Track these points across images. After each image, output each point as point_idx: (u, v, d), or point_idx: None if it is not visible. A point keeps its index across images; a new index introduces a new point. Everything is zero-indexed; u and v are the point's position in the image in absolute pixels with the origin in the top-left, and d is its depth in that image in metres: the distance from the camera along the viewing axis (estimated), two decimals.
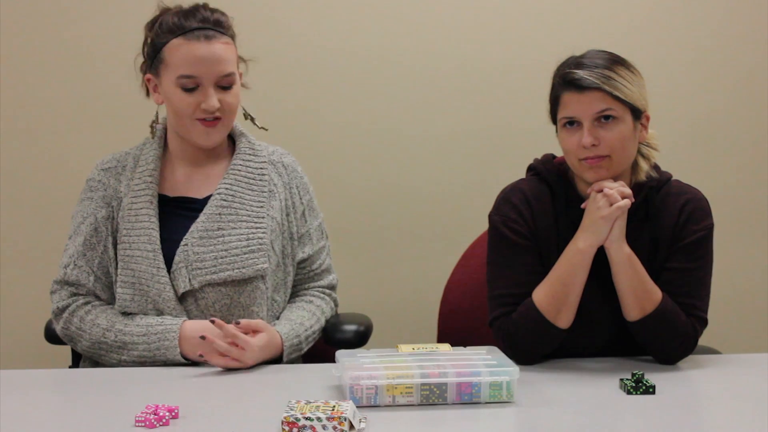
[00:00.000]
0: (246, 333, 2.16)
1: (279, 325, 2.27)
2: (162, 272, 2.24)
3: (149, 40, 2.29)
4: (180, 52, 2.23)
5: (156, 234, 2.26)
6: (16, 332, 3.13)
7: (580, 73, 2.12)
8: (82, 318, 2.25)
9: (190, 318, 2.25)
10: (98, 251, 2.29)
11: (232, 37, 2.30)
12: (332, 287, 2.47)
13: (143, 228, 2.26)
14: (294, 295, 2.43)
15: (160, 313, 2.25)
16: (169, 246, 2.26)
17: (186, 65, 2.23)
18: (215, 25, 2.26)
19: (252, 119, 2.41)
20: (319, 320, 2.37)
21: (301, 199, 2.41)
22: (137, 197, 2.28)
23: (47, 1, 3.09)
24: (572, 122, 2.15)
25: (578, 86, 2.12)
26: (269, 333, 2.20)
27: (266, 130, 2.41)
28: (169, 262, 2.25)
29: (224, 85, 2.26)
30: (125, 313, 2.27)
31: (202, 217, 2.28)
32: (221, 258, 2.26)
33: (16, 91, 3.10)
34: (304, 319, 2.33)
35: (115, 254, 2.29)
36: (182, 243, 2.26)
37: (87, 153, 3.07)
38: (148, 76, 2.32)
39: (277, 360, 2.23)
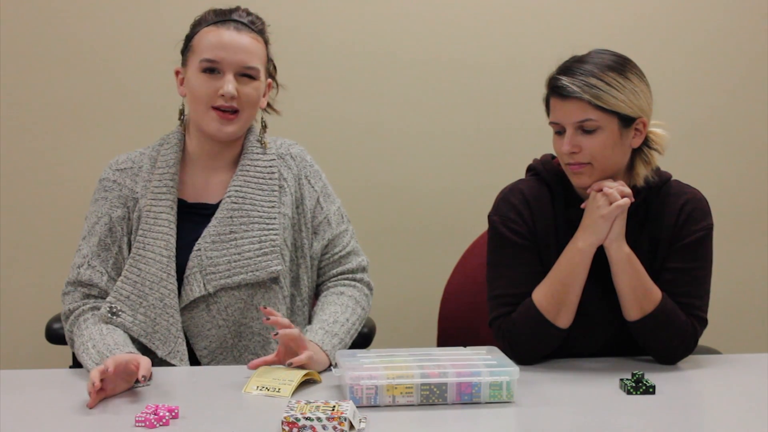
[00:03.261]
0: (287, 345, 2.08)
1: (311, 332, 2.19)
2: (171, 278, 2.22)
3: (186, 36, 2.31)
4: (208, 36, 2.25)
5: (173, 240, 2.24)
6: (16, 332, 3.13)
7: (564, 81, 2.12)
8: (79, 325, 2.21)
9: (201, 322, 2.24)
10: (113, 252, 2.27)
11: (266, 42, 2.32)
12: (361, 269, 2.41)
13: (161, 233, 2.24)
14: (322, 284, 2.40)
15: (152, 320, 2.21)
16: (183, 252, 2.24)
17: (211, 49, 2.24)
18: (249, 22, 2.29)
19: (263, 128, 2.37)
20: (354, 311, 2.31)
21: (313, 187, 2.38)
22: (157, 200, 2.26)
23: (48, 0, 3.09)
24: (559, 127, 2.16)
25: (560, 94, 2.13)
26: (309, 350, 2.10)
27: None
28: (181, 267, 2.24)
29: (246, 74, 2.25)
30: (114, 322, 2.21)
31: (213, 221, 2.26)
32: (234, 262, 2.24)
33: (16, 91, 3.10)
34: (337, 315, 2.27)
35: (130, 255, 2.26)
36: (195, 248, 2.24)
37: (88, 153, 3.08)
38: (177, 68, 2.32)
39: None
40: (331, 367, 2.14)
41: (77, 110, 3.11)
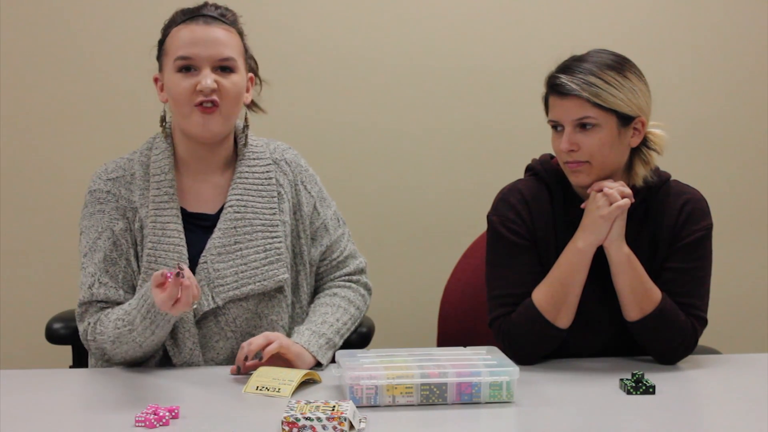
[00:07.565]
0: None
1: (298, 334, 2.19)
2: None
3: (159, 41, 2.26)
4: (179, 35, 2.20)
5: (185, 252, 2.19)
6: (16, 332, 3.13)
7: (563, 79, 2.12)
8: (101, 321, 2.16)
9: (209, 335, 2.21)
10: (121, 265, 2.20)
11: (240, 32, 2.26)
12: (359, 271, 2.40)
13: (172, 244, 2.19)
14: (319, 288, 2.38)
15: (168, 332, 2.17)
16: (188, 265, 2.18)
17: (183, 46, 2.18)
18: (219, 15, 2.24)
19: (246, 127, 2.31)
20: (346, 311, 2.30)
21: (309, 192, 2.35)
22: (161, 209, 2.20)
23: (48, 1, 3.09)
24: (557, 126, 2.16)
25: (559, 92, 2.13)
26: (295, 354, 2.13)
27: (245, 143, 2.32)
28: None
29: (223, 67, 2.19)
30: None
31: (217, 232, 2.22)
32: (242, 273, 2.21)
33: (16, 91, 3.10)
34: (327, 316, 2.27)
35: (138, 267, 2.21)
36: (201, 261, 2.20)
37: (88, 152, 3.07)
38: (156, 76, 2.27)
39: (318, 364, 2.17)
40: (321, 367, 2.15)
41: (78, 110, 3.11)
